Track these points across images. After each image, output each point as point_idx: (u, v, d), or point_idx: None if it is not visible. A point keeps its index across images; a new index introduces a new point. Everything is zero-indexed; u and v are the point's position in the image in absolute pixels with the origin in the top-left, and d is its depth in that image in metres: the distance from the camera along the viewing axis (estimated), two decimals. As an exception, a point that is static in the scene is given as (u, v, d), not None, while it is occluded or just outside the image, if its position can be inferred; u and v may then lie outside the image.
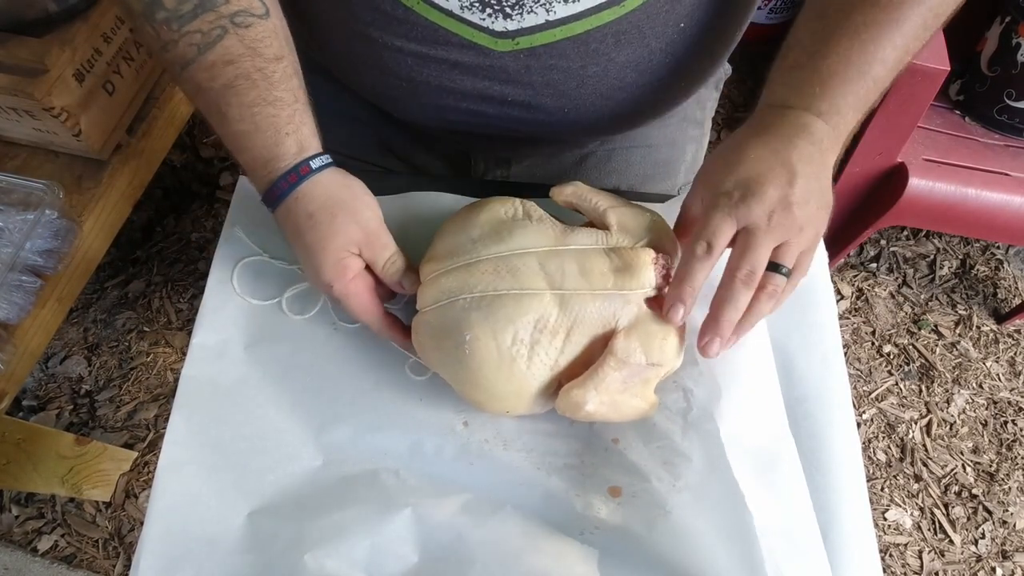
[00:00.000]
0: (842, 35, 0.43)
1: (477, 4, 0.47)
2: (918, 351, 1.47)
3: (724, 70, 0.67)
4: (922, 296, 1.55)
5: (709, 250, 0.42)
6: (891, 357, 1.47)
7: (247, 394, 0.50)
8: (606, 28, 0.48)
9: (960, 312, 1.53)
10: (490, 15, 0.47)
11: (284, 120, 0.46)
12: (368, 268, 0.48)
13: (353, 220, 0.47)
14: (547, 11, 0.47)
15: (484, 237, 0.46)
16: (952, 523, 1.29)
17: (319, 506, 0.46)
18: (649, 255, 0.45)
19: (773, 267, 0.43)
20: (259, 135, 0.45)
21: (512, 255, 0.44)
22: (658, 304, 0.45)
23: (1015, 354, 1.48)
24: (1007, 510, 1.30)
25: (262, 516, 0.45)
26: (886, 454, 1.36)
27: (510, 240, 0.45)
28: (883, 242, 1.62)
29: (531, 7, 0.47)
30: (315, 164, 0.46)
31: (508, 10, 0.47)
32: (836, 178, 1.31)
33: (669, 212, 0.55)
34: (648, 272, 0.44)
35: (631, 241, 0.46)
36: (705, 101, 0.70)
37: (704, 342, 0.44)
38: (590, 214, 0.47)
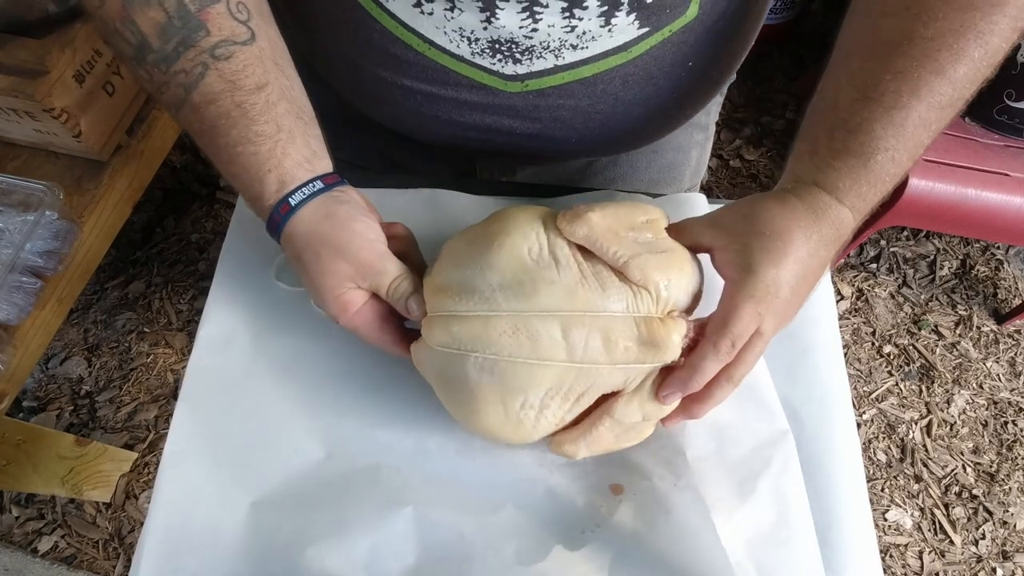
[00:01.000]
0: (890, 126, 0.39)
1: (488, 50, 0.47)
2: (918, 351, 1.47)
3: (727, 83, 0.68)
4: (922, 296, 1.55)
5: (732, 351, 0.39)
6: (891, 357, 1.47)
7: (253, 386, 0.50)
8: (614, 72, 0.49)
9: (960, 312, 1.53)
10: (500, 60, 0.48)
11: (264, 156, 0.43)
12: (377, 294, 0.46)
13: (338, 255, 0.43)
14: (556, 57, 0.47)
15: (505, 287, 0.41)
16: (952, 524, 1.29)
17: (321, 501, 0.46)
18: (680, 332, 0.40)
19: None
20: (245, 175, 0.44)
21: (534, 316, 0.40)
22: (668, 369, 0.42)
23: (1015, 354, 1.48)
24: (1007, 510, 1.30)
25: (265, 508, 0.45)
26: (886, 454, 1.36)
27: (534, 297, 0.40)
28: (883, 242, 1.62)
29: (540, 53, 0.47)
30: (295, 200, 0.44)
31: (518, 56, 0.47)
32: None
33: (671, 208, 0.56)
34: (675, 349, 0.40)
35: (659, 303, 0.41)
36: (710, 107, 0.70)
37: (674, 422, 0.43)
38: (609, 262, 0.41)
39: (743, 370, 0.40)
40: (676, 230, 0.44)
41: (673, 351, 0.40)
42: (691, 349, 0.41)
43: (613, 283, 0.41)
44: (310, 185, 0.44)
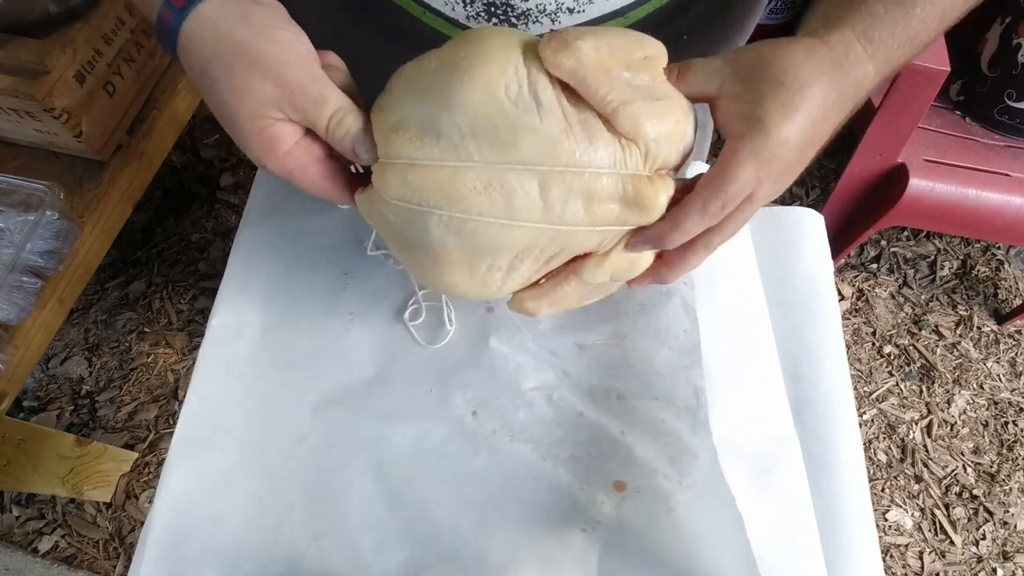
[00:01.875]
0: None
1: (484, 13, 0.47)
2: (919, 352, 1.47)
3: None
4: (923, 297, 1.55)
5: (720, 213, 0.35)
6: (892, 358, 1.47)
7: (261, 377, 0.50)
8: None
9: (961, 313, 1.53)
10: (496, 24, 0.48)
11: None
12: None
13: (258, 70, 0.33)
14: (552, 21, 0.47)
15: (477, 133, 0.35)
16: (953, 524, 1.29)
17: (324, 496, 0.46)
18: (668, 192, 0.36)
19: None
20: None
21: (510, 170, 0.35)
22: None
23: (1016, 355, 1.48)
24: (1008, 511, 1.30)
25: (269, 498, 0.46)
26: (887, 455, 1.36)
27: (512, 148, 0.35)
28: (883, 242, 1.62)
29: (536, 17, 0.47)
30: None
31: (514, 20, 0.47)
32: (836, 178, 1.32)
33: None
34: (661, 210, 0.36)
35: (648, 160, 0.36)
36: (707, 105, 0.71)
37: (641, 284, 0.40)
38: (596, 106, 0.35)
39: (722, 237, 0.36)
40: (678, 72, 0.37)
41: (659, 212, 0.36)
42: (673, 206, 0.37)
43: (601, 134, 0.35)
44: None
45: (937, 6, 0.36)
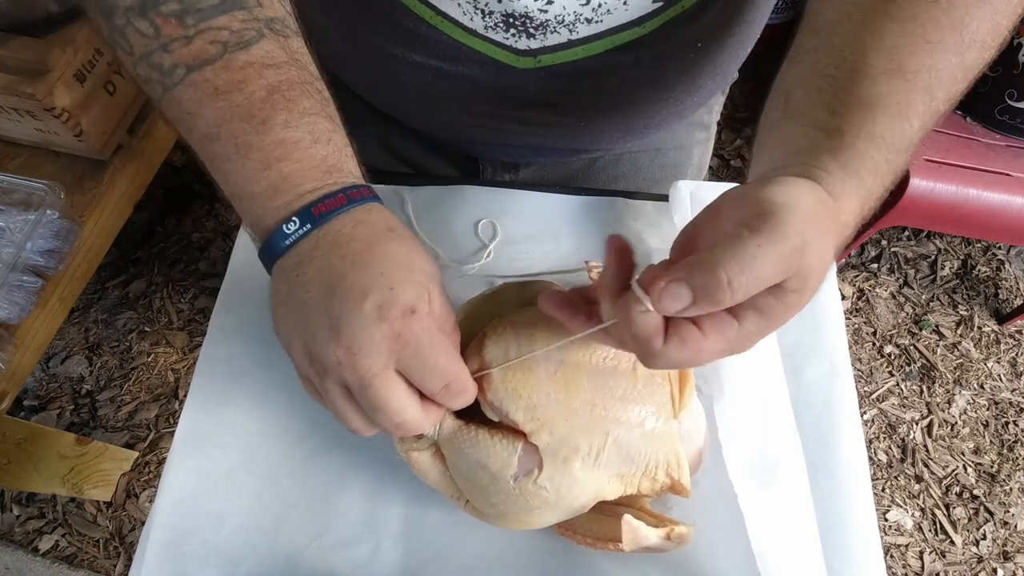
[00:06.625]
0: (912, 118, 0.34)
1: (501, 24, 0.47)
2: (919, 351, 1.47)
3: (731, 76, 0.68)
4: (923, 296, 1.55)
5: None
6: (892, 358, 1.47)
7: (262, 376, 0.50)
8: (626, 47, 0.49)
9: (961, 312, 1.53)
10: (513, 35, 0.48)
11: (343, 142, 0.38)
12: None
13: (421, 253, 0.36)
14: (570, 31, 0.47)
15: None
16: (953, 524, 1.29)
17: (325, 494, 0.46)
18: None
19: None
20: (320, 147, 0.37)
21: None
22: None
23: (1016, 355, 1.48)
24: (1008, 511, 1.30)
25: (270, 497, 0.46)
26: (887, 455, 1.36)
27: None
28: (884, 242, 1.62)
29: (554, 27, 0.47)
30: (372, 197, 0.38)
31: (532, 30, 0.47)
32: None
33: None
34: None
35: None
36: (712, 105, 0.71)
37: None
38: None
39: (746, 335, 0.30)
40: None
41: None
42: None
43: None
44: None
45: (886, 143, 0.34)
